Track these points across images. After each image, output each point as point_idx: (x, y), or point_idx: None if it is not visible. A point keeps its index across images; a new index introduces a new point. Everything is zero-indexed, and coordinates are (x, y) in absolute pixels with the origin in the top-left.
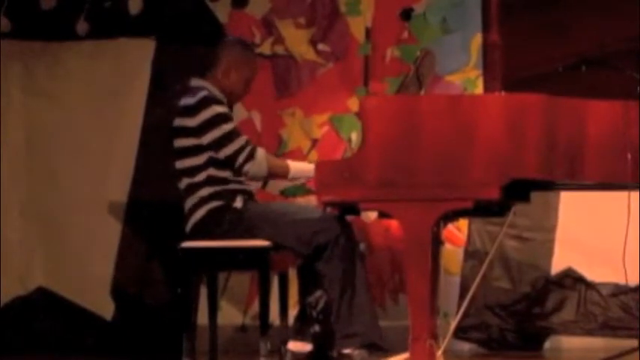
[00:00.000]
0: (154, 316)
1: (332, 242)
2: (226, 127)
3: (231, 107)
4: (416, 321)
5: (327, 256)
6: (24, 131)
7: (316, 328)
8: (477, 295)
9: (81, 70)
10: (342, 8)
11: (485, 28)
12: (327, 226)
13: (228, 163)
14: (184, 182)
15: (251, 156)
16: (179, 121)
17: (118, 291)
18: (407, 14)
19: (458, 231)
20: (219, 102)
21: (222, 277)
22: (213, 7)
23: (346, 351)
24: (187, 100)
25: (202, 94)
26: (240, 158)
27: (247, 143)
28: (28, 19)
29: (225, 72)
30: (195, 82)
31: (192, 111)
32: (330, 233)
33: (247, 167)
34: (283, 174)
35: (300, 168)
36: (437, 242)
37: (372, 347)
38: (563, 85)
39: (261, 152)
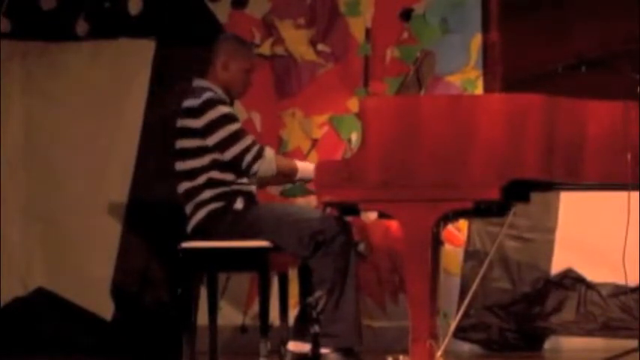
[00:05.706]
0: (154, 316)
1: (329, 240)
2: (233, 127)
3: (232, 102)
4: (416, 321)
5: (322, 253)
6: (24, 131)
7: (316, 328)
8: (476, 296)
9: (81, 70)
10: (342, 8)
11: (485, 28)
12: (327, 227)
13: (234, 163)
14: (183, 186)
15: (259, 155)
16: (182, 122)
17: (118, 291)
18: (407, 14)
19: (458, 231)
20: (224, 102)
21: (222, 277)
22: (213, 7)
23: (323, 350)
24: (191, 101)
25: (207, 95)
26: (249, 157)
27: (254, 142)
28: (28, 19)
29: (224, 65)
30: (197, 82)
31: (197, 112)
32: (329, 234)
33: (256, 166)
34: (291, 174)
35: (308, 168)
36: (437, 242)
37: (349, 353)
38: (563, 85)
39: (269, 151)
